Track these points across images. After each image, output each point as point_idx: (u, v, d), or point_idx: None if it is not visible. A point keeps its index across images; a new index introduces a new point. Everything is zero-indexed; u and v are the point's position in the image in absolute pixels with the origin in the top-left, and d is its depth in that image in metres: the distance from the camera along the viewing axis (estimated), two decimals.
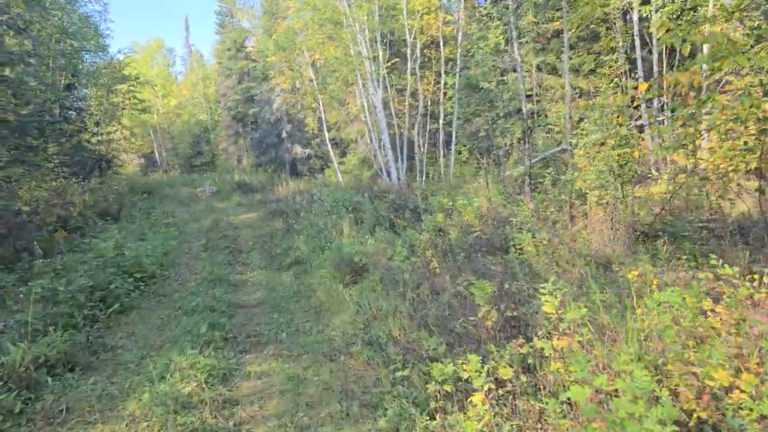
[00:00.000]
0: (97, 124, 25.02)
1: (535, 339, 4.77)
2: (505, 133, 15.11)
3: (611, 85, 11.80)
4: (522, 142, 15.29)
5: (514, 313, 5.76)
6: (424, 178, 20.89)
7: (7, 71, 14.91)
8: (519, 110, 15.84)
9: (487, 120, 15.10)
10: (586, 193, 11.45)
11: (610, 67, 12.01)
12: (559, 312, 4.70)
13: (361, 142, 27.05)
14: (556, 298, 4.44)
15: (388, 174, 20.31)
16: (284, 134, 28.30)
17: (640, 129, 11.70)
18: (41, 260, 10.43)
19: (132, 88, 25.60)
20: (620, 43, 12.28)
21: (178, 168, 41.93)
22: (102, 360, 6.73)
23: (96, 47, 26.36)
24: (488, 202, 13.56)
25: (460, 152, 20.97)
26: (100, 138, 25.42)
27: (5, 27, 15.90)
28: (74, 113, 23.91)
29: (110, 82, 25.13)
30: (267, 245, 14.26)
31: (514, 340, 5.20)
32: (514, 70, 16.27)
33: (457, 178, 19.81)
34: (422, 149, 21.52)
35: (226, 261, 12.36)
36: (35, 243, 11.59)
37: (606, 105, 10.11)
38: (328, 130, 24.16)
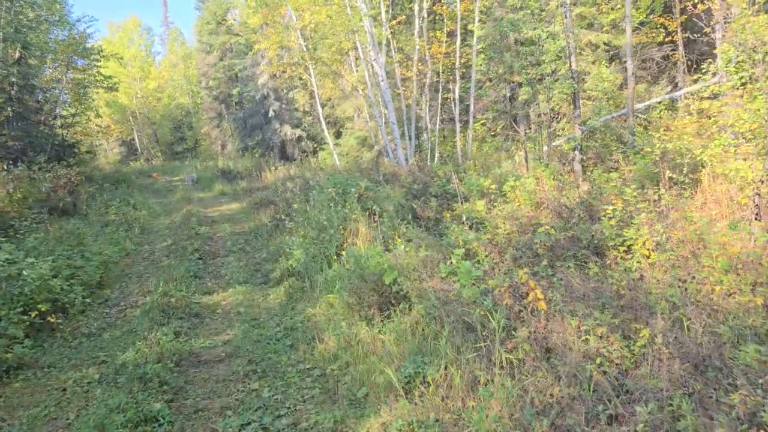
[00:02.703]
0: (55, 103, 21.02)
1: None
2: (551, 97, 11.54)
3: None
4: (572, 106, 11.64)
5: None
6: (437, 157, 17.19)
7: None
8: (542, 75, 12.25)
9: (528, 80, 11.41)
10: (701, 166, 7.83)
11: None
12: None
13: (357, 120, 23.22)
14: None
15: (395, 154, 16.59)
16: (271, 113, 24.31)
17: None
18: None
19: (95, 62, 21.48)
20: None
21: (160, 156, 37.82)
22: None
23: (58, 18, 22.23)
24: (538, 184, 9.94)
25: (483, 124, 17.27)
26: (61, 121, 21.45)
27: None
28: (26, 91, 19.96)
29: (69, 57, 21.03)
30: (250, 246, 10.56)
31: None
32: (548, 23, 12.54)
33: (476, 156, 16.16)
34: (433, 125, 17.79)
35: (192, 272, 8.62)
36: None
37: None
38: (321, 107, 20.30)
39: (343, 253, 6.60)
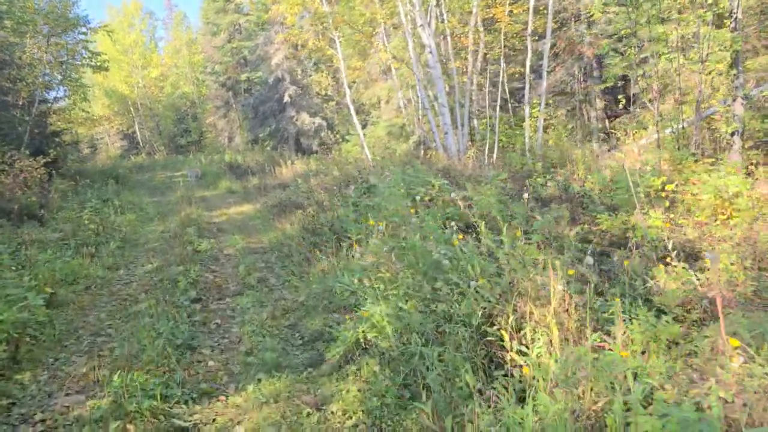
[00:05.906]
0: (34, 84, 17.17)
1: None
2: (704, 56, 7.72)
3: None
4: (731, 70, 7.79)
5: None
6: (495, 150, 13.34)
7: None
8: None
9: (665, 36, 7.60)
10: None
11: None
12: None
13: (386, 107, 19.36)
14: None
15: (443, 144, 12.71)
16: (287, 98, 20.37)
17: None
18: None
19: (82, 36, 17.61)
20: None
21: (163, 149, 33.90)
22: None
23: None
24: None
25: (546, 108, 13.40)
26: (42, 106, 17.60)
27: None
28: None
29: (51, 29, 17.14)
30: (274, 275, 6.71)
31: None
32: None
33: (549, 147, 12.35)
34: (492, 108, 13.95)
35: (179, 337, 4.78)
36: None
37: None
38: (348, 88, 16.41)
39: (527, 354, 2.72)
